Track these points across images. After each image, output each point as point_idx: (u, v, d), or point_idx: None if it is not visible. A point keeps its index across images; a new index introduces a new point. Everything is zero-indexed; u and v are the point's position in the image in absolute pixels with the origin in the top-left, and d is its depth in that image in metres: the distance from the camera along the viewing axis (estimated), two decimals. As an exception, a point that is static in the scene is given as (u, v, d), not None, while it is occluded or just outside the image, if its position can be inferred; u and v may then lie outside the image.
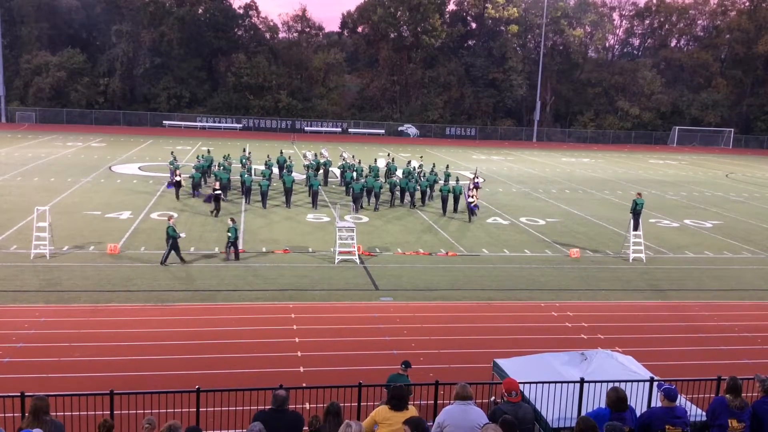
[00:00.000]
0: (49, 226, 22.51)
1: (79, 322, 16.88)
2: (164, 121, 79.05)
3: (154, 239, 25.39)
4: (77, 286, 19.77)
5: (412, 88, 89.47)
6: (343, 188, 38.00)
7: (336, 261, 23.35)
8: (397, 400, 8.17)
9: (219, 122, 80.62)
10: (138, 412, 10.26)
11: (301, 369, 14.75)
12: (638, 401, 10.18)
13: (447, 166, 39.83)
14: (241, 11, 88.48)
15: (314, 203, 33.73)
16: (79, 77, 78.91)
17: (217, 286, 20.39)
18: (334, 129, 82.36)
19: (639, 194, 28.93)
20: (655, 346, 16.81)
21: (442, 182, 34.95)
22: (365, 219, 30.82)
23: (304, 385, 13.08)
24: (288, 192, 33.65)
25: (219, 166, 37.01)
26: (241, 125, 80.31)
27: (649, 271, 24.36)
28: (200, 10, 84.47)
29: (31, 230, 23.04)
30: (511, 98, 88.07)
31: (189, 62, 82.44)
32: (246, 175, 34.32)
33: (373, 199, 34.10)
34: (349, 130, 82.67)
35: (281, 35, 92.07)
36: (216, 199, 30.08)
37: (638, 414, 8.85)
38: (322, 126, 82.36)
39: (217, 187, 30.54)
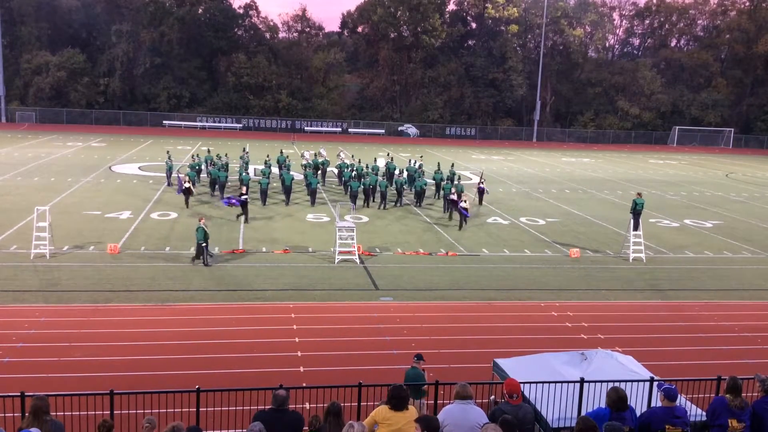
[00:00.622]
0: (49, 226, 22.51)
1: (79, 322, 16.88)
2: (164, 121, 79.07)
3: (154, 239, 25.40)
4: (77, 286, 19.77)
5: (412, 88, 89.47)
6: (342, 188, 38.13)
7: (336, 261, 23.35)
8: (397, 399, 8.17)
9: (219, 122, 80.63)
10: (138, 412, 10.27)
11: (301, 369, 14.74)
12: (638, 401, 10.18)
13: (452, 165, 39.96)
14: (241, 11, 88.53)
15: (312, 201, 34.14)
16: (79, 77, 78.91)
17: (217, 286, 20.39)
18: (334, 129, 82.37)
19: (639, 194, 28.92)
20: (655, 346, 16.81)
21: (445, 181, 35.19)
22: (365, 219, 30.83)
23: (304, 384, 13.08)
24: (288, 190, 34.16)
25: (212, 163, 37.23)
26: (241, 125, 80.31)
27: (649, 271, 24.35)
28: (200, 10, 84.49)
29: (31, 230, 23.05)
30: (511, 98, 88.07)
31: (189, 62, 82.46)
32: (243, 173, 34.71)
33: (378, 198, 34.40)
34: (349, 130, 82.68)
35: (281, 35, 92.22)
36: (244, 204, 28.99)
37: (638, 414, 8.85)
38: (322, 126, 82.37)
39: (245, 191, 29.55)
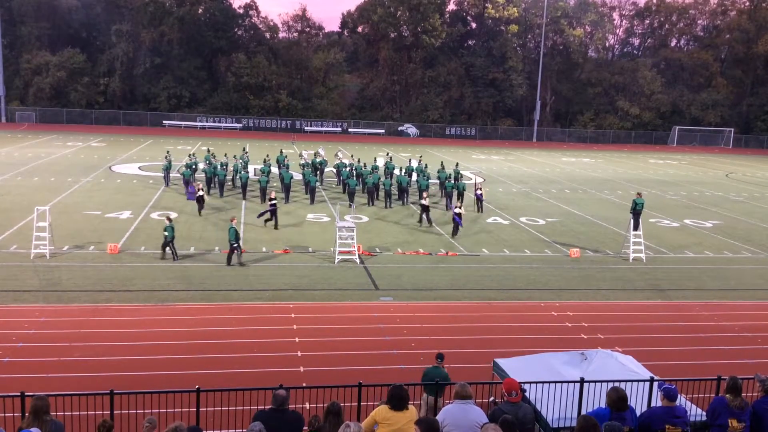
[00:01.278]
0: (49, 226, 22.51)
1: (79, 322, 16.88)
2: (164, 121, 79.06)
3: (154, 239, 25.39)
4: (77, 286, 19.77)
5: (412, 88, 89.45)
6: (340, 187, 38.24)
7: (336, 261, 23.35)
8: (397, 399, 8.16)
9: (219, 122, 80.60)
10: (138, 411, 10.27)
11: (301, 369, 14.74)
12: (638, 401, 10.18)
13: (457, 164, 40.04)
14: (241, 11, 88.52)
15: (312, 199, 34.55)
16: (79, 77, 78.88)
17: (217, 285, 20.39)
18: (334, 129, 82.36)
19: (639, 194, 28.92)
20: (655, 346, 16.81)
21: (450, 180, 35.45)
22: (365, 218, 30.83)
23: (304, 384, 13.08)
24: (287, 188, 34.65)
25: (209, 162, 37.38)
26: (241, 125, 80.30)
27: (649, 270, 24.35)
28: (200, 10, 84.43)
29: (31, 230, 23.05)
30: (511, 98, 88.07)
31: (189, 62, 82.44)
32: (242, 172, 35.17)
33: (382, 197, 34.85)
34: (349, 130, 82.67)
35: (281, 35, 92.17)
36: (273, 212, 28.22)
37: (638, 414, 8.85)
38: (322, 126, 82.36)
39: (273, 196, 28.81)
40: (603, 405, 8.93)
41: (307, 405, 11.47)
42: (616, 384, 9.22)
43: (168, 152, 40.56)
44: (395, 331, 17.23)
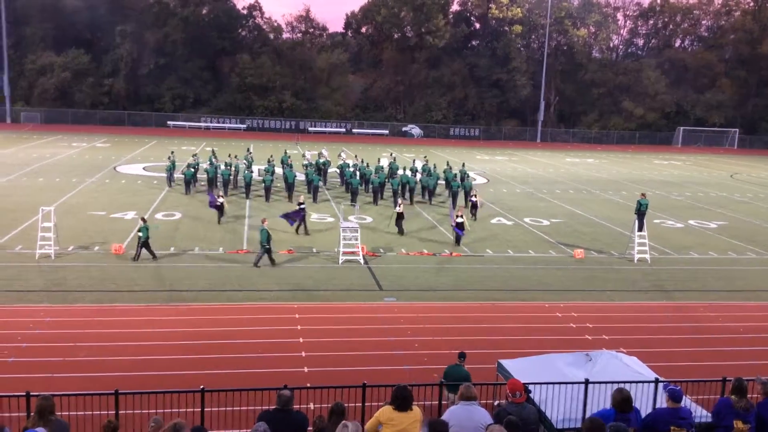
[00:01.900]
0: (54, 226, 22.58)
1: (83, 322, 16.92)
2: (169, 122, 79.18)
3: (159, 239, 25.41)
4: (82, 286, 19.81)
5: (416, 89, 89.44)
6: (343, 187, 38.34)
7: (340, 261, 23.36)
8: (402, 400, 8.17)
9: (223, 123, 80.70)
10: (143, 411, 10.29)
11: (306, 369, 14.75)
12: (643, 402, 10.17)
13: (463, 164, 40.09)
14: (245, 12, 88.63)
15: (314, 198, 34.98)
16: (84, 77, 79.07)
17: (221, 285, 20.42)
18: (338, 129, 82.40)
19: (643, 195, 28.95)
20: (660, 347, 16.77)
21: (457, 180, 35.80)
22: (369, 219, 30.83)
23: (308, 385, 13.09)
24: (290, 187, 35.12)
25: (210, 162, 37.57)
26: (245, 126, 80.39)
27: (653, 271, 24.31)
28: (204, 11, 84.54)
29: (35, 230, 23.11)
30: (515, 98, 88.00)
31: (193, 63, 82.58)
32: (246, 171, 35.55)
33: (388, 196, 35.59)
34: (353, 130, 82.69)
35: (285, 36, 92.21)
36: (302, 218, 27.57)
37: (643, 415, 8.84)
38: (326, 126, 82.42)
39: (302, 200, 28.54)
40: (608, 406, 8.92)
41: (311, 405, 11.48)
42: (621, 385, 9.21)
43: (172, 153, 40.66)
44: (399, 331, 17.23)
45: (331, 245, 25.35)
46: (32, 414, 8.25)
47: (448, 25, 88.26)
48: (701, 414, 10.23)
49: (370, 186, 36.43)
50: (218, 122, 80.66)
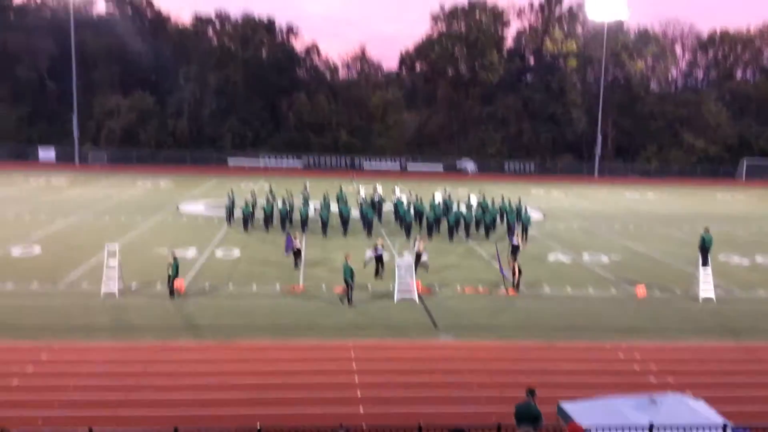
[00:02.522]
0: (119, 264, 23.26)
1: (145, 359, 17.29)
2: (229, 160, 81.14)
3: (219, 276, 25.94)
4: (145, 323, 20.29)
5: (470, 125, 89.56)
6: (397, 223, 38.49)
7: (395, 298, 23.32)
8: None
9: (281, 160, 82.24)
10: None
11: (361, 409, 14.70)
12: (712, 450, 9.77)
13: (519, 199, 39.79)
14: (303, 53, 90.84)
15: (369, 232, 35.67)
16: (149, 119, 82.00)
17: (278, 323, 20.60)
18: (392, 166, 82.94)
19: (707, 230, 28.11)
20: (728, 391, 16.10)
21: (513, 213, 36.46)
22: (425, 256, 30.69)
23: (363, 425, 13.03)
24: (345, 222, 36.08)
25: (267, 201, 38.26)
26: (302, 163, 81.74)
27: (720, 310, 23.46)
28: (264, 54, 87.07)
29: (101, 267, 23.85)
30: (571, 132, 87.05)
31: (253, 103, 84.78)
32: (303, 207, 36.96)
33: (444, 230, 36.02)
34: (407, 166, 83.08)
35: (341, 75, 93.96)
36: (378, 259, 26.78)
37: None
38: (381, 161, 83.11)
39: (381, 243, 27.81)
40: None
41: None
42: (688, 430, 8.88)
43: (231, 191, 41.55)
44: (455, 371, 17.04)
45: (385, 282, 25.33)
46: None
47: (502, 60, 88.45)
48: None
49: (425, 221, 36.55)
50: (276, 160, 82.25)
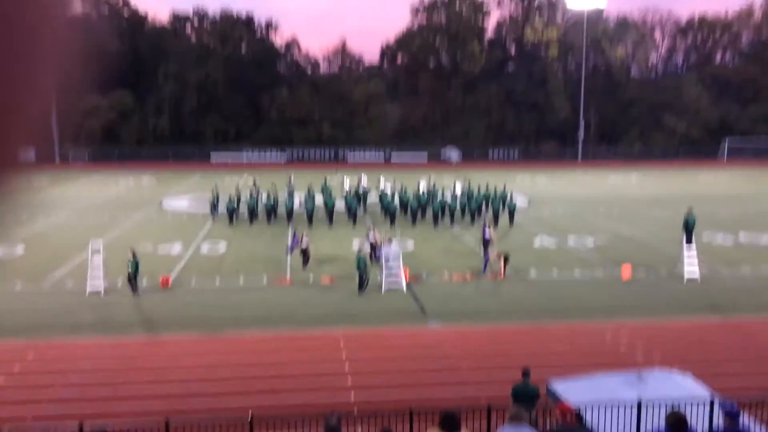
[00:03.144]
0: (104, 261, 23.10)
1: (133, 355, 17.21)
2: (211, 156, 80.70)
3: (206, 271, 25.84)
4: (131, 319, 20.18)
5: (453, 115, 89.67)
6: (382, 213, 38.47)
7: (383, 287, 23.34)
8: (450, 424, 8.08)
9: (264, 155, 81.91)
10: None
11: (352, 396, 14.72)
12: (698, 421, 9.86)
13: (504, 186, 39.96)
14: (283, 49, 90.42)
15: (354, 221, 36.14)
16: (129, 117, 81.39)
17: (266, 315, 20.57)
18: (376, 158, 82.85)
19: (690, 210, 28.35)
20: (714, 367, 16.27)
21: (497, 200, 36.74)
22: (411, 244, 30.77)
23: (355, 411, 13.05)
24: (330, 213, 36.29)
25: (251, 195, 38.20)
26: (285, 157, 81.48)
27: (704, 288, 23.69)
28: (243, 50, 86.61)
29: (85, 266, 23.68)
30: (553, 120, 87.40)
31: (234, 99, 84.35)
32: (288, 199, 37.23)
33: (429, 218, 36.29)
34: (392, 157, 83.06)
35: (322, 69, 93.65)
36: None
37: (700, 434, 8.58)
38: (365, 153, 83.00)
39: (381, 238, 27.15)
40: (662, 426, 8.68)
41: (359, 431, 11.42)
42: (675, 404, 8.96)
43: (215, 186, 41.38)
44: (444, 356, 17.10)
45: (372, 271, 25.30)
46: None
47: (483, 51, 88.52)
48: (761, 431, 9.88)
49: (409, 210, 36.71)
50: (259, 154, 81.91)
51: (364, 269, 22.94)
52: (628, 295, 23.00)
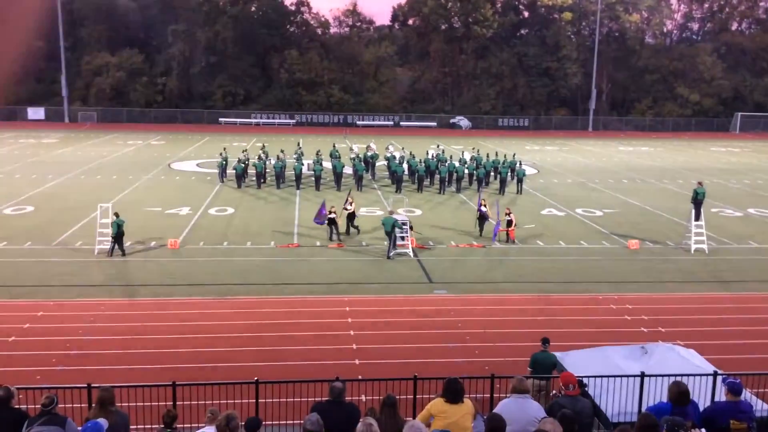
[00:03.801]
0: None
1: (141, 316, 17.39)
2: (220, 119, 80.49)
3: (213, 234, 25.94)
4: (140, 281, 20.35)
5: (464, 80, 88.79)
6: (391, 180, 38.46)
7: (389, 254, 23.39)
8: (453, 393, 8.14)
9: (273, 118, 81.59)
10: (199, 402, 10.52)
11: (357, 361, 14.86)
12: (701, 395, 9.92)
13: (514, 155, 39.88)
14: (293, 8, 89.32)
15: (359, 186, 36.15)
16: (138, 77, 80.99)
17: (274, 279, 20.69)
18: (386, 123, 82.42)
19: (700, 183, 28.15)
20: (718, 340, 16.33)
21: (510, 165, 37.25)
22: (418, 212, 30.77)
23: (360, 377, 13.17)
24: (338, 177, 36.57)
25: (259, 158, 38.29)
26: (294, 121, 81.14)
27: (711, 262, 23.65)
28: (253, 8, 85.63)
29: (94, 227, 23.80)
30: (565, 87, 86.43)
31: (243, 60, 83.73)
32: (296, 164, 37.09)
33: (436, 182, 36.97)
34: (401, 123, 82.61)
35: (332, 30, 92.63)
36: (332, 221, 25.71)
37: (701, 408, 8.62)
38: (374, 120, 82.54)
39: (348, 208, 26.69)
40: (664, 399, 8.73)
41: (363, 397, 11.54)
42: (678, 378, 9.00)
43: (224, 149, 41.34)
44: (450, 324, 17.20)
45: (380, 239, 25.37)
46: (93, 405, 8.52)
47: (495, 14, 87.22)
48: (762, 407, 9.94)
49: (416, 175, 36.65)
50: (268, 118, 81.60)
51: (392, 231, 23.14)
52: (635, 266, 22.99)
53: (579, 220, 30.03)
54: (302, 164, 37.42)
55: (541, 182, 40.12)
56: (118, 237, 22.68)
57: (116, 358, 14.84)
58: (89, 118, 77.59)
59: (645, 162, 52.35)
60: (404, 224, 24.04)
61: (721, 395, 9.06)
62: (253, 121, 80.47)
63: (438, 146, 42.99)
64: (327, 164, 39.41)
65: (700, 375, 10.48)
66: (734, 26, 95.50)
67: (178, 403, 10.14)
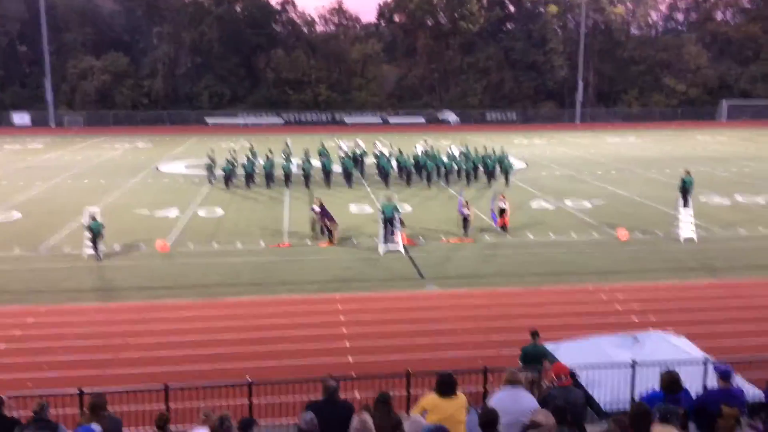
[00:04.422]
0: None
1: (132, 319, 17.30)
2: (207, 119, 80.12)
3: (203, 235, 25.85)
4: (130, 284, 20.25)
5: (451, 75, 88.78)
6: (379, 176, 38.47)
7: (381, 250, 23.38)
8: (446, 387, 8.15)
9: (260, 118, 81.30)
10: (192, 405, 10.49)
11: (350, 359, 14.85)
12: (693, 383, 9.97)
13: (502, 148, 39.94)
14: (279, 7, 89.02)
15: (349, 184, 36.37)
16: (124, 79, 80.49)
17: (264, 279, 20.65)
18: (374, 120, 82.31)
19: (687, 172, 28.29)
20: (709, 327, 16.42)
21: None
22: (409, 208, 30.75)
23: (353, 374, 13.17)
24: (327, 174, 36.73)
25: (248, 159, 38.16)
26: (282, 120, 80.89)
27: (700, 250, 23.78)
28: (238, 8, 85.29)
29: (82, 231, 23.65)
30: (552, 80, 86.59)
31: (229, 60, 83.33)
32: (285, 163, 37.30)
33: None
34: (389, 120, 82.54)
35: (319, 29, 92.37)
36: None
37: (693, 396, 8.67)
38: (362, 117, 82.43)
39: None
40: (656, 388, 8.77)
41: (357, 395, 11.54)
42: (669, 366, 9.04)
43: (212, 150, 41.16)
44: (442, 319, 17.22)
45: (370, 235, 25.35)
46: (85, 411, 8.48)
47: (482, 9, 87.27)
48: (754, 393, 10.00)
49: (404, 171, 36.71)
50: (255, 118, 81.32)
51: (392, 217, 23.32)
52: (625, 256, 23.08)
53: (568, 212, 30.11)
54: (291, 163, 37.35)
55: (529, 175, 40.19)
56: (95, 239, 22.59)
57: (107, 361, 14.75)
58: (76, 122, 77.03)
59: (633, 152, 52.53)
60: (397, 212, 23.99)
61: (713, 382, 9.11)
62: (241, 121, 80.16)
63: (426, 142, 42.99)
64: (316, 162, 39.31)
65: (692, 362, 10.53)
66: (719, 16, 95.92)
67: (170, 405, 10.10)
